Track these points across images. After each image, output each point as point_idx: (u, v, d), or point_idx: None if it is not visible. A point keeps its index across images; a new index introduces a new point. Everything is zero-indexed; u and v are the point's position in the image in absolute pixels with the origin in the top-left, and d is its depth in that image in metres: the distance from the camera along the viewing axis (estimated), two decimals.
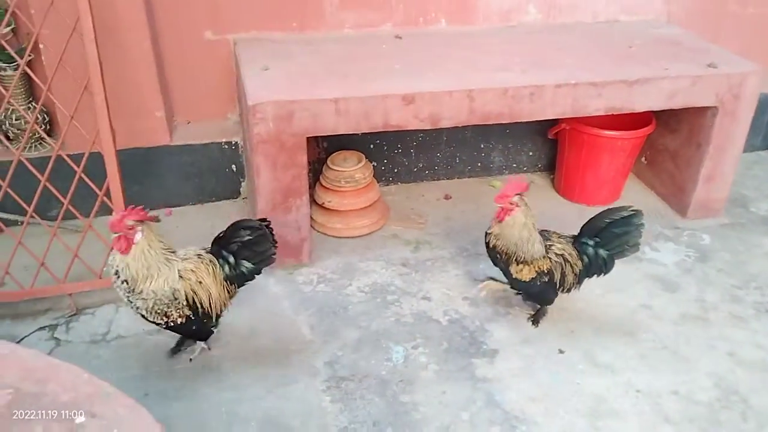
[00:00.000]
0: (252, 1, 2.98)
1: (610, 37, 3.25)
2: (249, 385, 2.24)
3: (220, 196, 3.28)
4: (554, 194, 3.48)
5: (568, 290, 2.45)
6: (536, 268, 2.35)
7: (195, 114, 3.21)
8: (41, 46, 2.64)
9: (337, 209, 2.99)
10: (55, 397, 1.66)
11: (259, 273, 2.27)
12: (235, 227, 2.21)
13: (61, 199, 2.46)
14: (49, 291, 2.52)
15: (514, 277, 2.39)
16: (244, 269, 2.23)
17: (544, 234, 2.42)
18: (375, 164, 3.30)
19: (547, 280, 2.37)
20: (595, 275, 2.43)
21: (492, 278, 2.63)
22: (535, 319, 2.57)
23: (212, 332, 2.34)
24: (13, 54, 2.42)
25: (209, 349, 2.37)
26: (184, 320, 2.14)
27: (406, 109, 2.57)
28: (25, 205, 2.45)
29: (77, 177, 2.46)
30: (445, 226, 3.17)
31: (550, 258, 2.37)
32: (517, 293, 2.60)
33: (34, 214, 2.47)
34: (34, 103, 2.87)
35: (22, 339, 2.43)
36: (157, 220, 2.11)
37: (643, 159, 3.50)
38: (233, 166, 3.21)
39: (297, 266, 2.83)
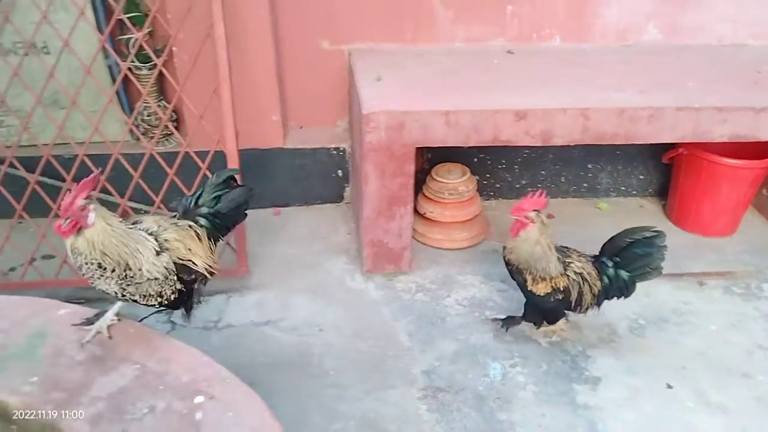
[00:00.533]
0: (368, 14, 3.08)
1: (737, 62, 3.09)
2: (349, 384, 2.30)
3: (325, 200, 3.39)
4: (665, 221, 3.33)
5: (586, 310, 2.38)
6: (552, 284, 2.30)
7: (307, 119, 3.34)
8: (174, 49, 2.84)
9: (439, 220, 3.01)
10: (177, 376, 1.77)
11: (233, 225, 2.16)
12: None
13: (186, 192, 2.63)
14: None
15: (528, 289, 2.35)
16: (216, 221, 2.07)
17: (564, 251, 2.37)
18: (477, 178, 3.30)
19: (561, 297, 2.32)
20: (615, 297, 2.35)
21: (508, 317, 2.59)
22: (506, 325, 2.55)
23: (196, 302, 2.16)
24: (151, 55, 2.62)
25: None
26: (177, 295, 1.99)
27: (517, 124, 2.56)
28: (153, 196, 2.64)
29: (201, 173, 2.63)
30: None
31: (568, 276, 2.31)
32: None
33: (161, 205, 2.66)
34: (164, 102, 3.09)
35: (143, 319, 2.60)
36: None
37: (764, 191, 3.30)
38: (339, 171, 3.31)
39: (396, 273, 2.88)
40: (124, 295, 1.87)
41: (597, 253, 2.37)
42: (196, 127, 2.66)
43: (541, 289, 2.31)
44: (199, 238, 2.01)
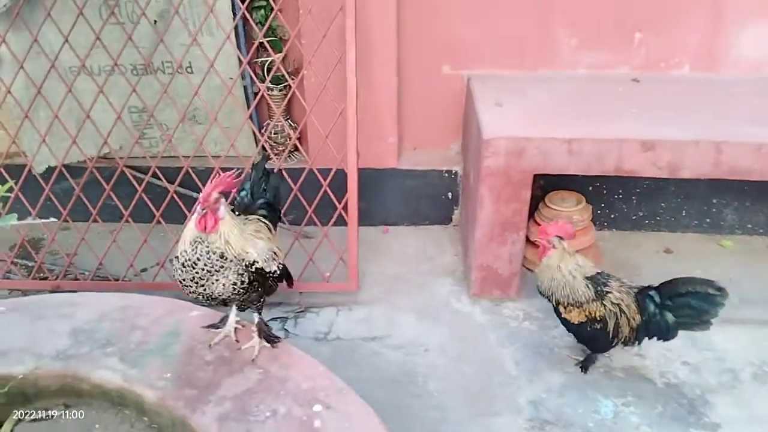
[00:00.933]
0: (490, 40, 3.11)
1: None
2: (453, 407, 2.31)
3: (433, 221, 3.43)
4: None
5: (625, 343, 2.33)
6: (587, 313, 2.28)
7: (421, 141, 3.41)
8: (304, 72, 3.01)
9: None
10: (297, 383, 1.87)
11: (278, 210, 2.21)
12: None
13: (306, 206, 2.77)
14: (283, 287, 2.83)
15: (563, 317, 2.34)
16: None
17: (601, 279, 2.32)
18: (591, 207, 3.21)
19: (599, 327, 2.29)
20: (656, 338, 2.30)
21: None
22: (584, 366, 2.48)
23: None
24: (287, 77, 2.78)
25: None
26: (280, 267, 2.04)
27: (643, 155, 2.48)
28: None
29: (323, 189, 2.75)
30: None
31: (605, 305, 2.27)
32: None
33: (283, 218, 2.80)
34: (290, 121, 3.27)
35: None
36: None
37: None
38: (449, 193, 3.35)
39: (503, 299, 2.86)
40: (235, 290, 1.88)
41: (647, 285, 2.32)
42: (321, 146, 2.78)
43: (574, 317, 2.31)
44: (270, 231, 2.06)
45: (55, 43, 2.79)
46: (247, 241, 1.89)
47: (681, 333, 2.27)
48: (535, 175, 3.12)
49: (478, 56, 3.15)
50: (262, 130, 3.07)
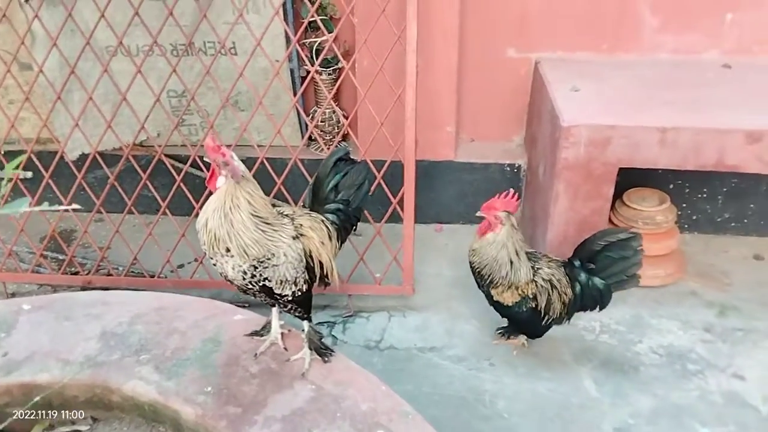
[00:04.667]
0: (562, 21, 2.81)
1: None
2: (527, 431, 2.03)
3: None
4: None
5: (557, 321, 2.20)
6: (520, 293, 2.14)
7: (479, 132, 3.13)
8: (356, 53, 2.74)
9: None
10: (355, 403, 1.60)
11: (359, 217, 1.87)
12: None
13: None
14: (331, 288, 2.57)
15: (495, 300, 2.19)
16: (354, 218, 1.83)
17: (533, 256, 2.20)
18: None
19: (534, 306, 2.16)
20: (590, 309, 2.19)
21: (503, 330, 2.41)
22: (506, 332, 2.39)
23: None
24: (341, 59, 2.52)
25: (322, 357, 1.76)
26: (307, 286, 1.74)
27: (747, 148, 2.16)
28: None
29: (376, 182, 2.49)
30: (759, 293, 2.63)
31: (536, 282, 2.14)
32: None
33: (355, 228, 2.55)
34: (336, 107, 3.02)
35: (303, 331, 2.50)
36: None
37: None
38: (511, 189, 3.04)
39: None
40: (254, 276, 1.62)
41: (569, 257, 2.19)
42: (375, 134, 2.52)
43: (507, 298, 2.16)
44: (329, 237, 1.77)
45: (90, 21, 2.57)
46: (260, 241, 1.58)
47: None
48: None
49: (548, 38, 2.85)
50: (315, 118, 2.82)
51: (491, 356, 2.33)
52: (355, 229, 1.90)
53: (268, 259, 1.61)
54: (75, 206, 1.18)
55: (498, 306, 2.22)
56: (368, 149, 2.65)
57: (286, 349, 1.76)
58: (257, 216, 1.60)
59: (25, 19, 2.56)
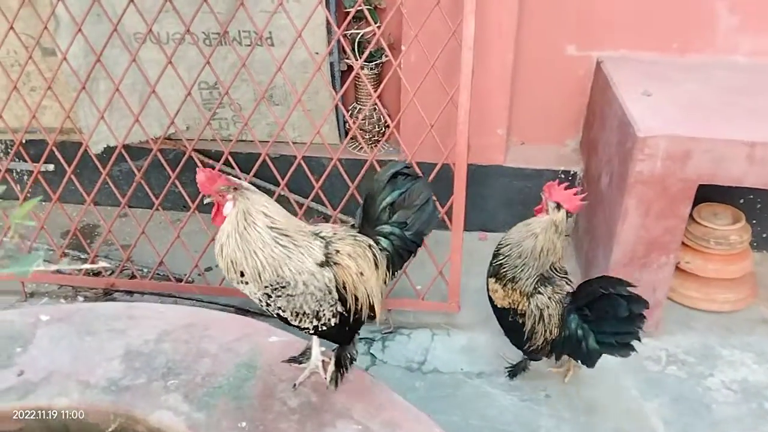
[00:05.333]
0: (627, 16, 2.57)
1: None
2: None
3: None
4: None
5: (537, 352, 2.01)
6: (510, 300, 1.97)
7: (531, 135, 2.91)
8: (403, 47, 2.54)
9: (697, 274, 2.42)
10: None
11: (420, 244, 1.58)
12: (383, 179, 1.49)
13: None
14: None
15: (489, 294, 2.05)
16: (410, 243, 1.55)
17: (545, 276, 1.94)
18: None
19: (520, 321, 1.97)
20: (575, 358, 1.95)
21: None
22: (513, 372, 2.16)
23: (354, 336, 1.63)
24: (389, 55, 2.31)
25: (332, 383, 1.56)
26: (337, 320, 1.50)
27: None
28: None
29: None
30: None
31: (530, 302, 1.93)
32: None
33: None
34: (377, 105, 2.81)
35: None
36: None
37: None
38: (580, 188, 2.82)
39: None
40: (269, 305, 1.46)
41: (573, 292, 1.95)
42: (423, 137, 2.31)
43: (498, 298, 2.00)
44: (377, 265, 1.52)
45: (118, 5, 2.38)
46: (278, 259, 1.39)
47: None
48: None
49: (612, 34, 2.62)
50: (351, 115, 2.62)
51: (546, 386, 2.13)
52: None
53: (283, 287, 1.41)
54: (103, 264, 0.98)
55: (490, 300, 2.05)
56: (411, 151, 2.45)
57: (330, 380, 1.57)
58: (276, 229, 1.40)
59: (48, 2, 2.38)
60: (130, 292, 2.55)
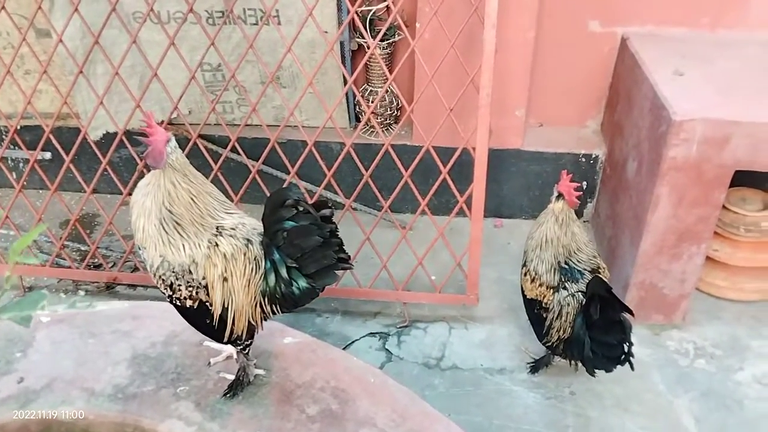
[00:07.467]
0: None
1: None
2: None
3: None
4: None
5: (553, 349, 1.94)
6: (537, 293, 1.91)
7: (549, 116, 2.78)
8: (417, 25, 2.40)
9: (725, 262, 2.31)
10: None
11: (315, 295, 1.37)
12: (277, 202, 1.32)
13: (419, 198, 2.19)
14: (384, 295, 2.28)
15: (521, 283, 2.00)
16: (294, 288, 1.35)
17: (577, 269, 1.86)
18: None
19: (543, 315, 1.91)
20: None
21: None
22: (535, 366, 2.09)
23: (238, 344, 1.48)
24: (405, 33, 2.16)
25: (242, 366, 1.48)
26: (195, 305, 1.38)
27: None
28: (383, 201, 2.22)
29: (441, 177, 2.16)
30: None
31: (555, 297, 1.86)
32: None
33: (389, 210, 2.24)
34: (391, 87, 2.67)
35: (352, 343, 2.22)
36: None
37: None
38: (583, 182, 2.70)
39: (665, 326, 2.24)
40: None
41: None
42: (443, 121, 2.18)
43: (528, 288, 1.96)
44: (253, 272, 1.36)
45: None
46: (163, 241, 1.36)
47: None
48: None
49: (637, 11, 2.47)
50: (363, 97, 2.48)
51: (572, 382, 2.04)
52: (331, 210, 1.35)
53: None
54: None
55: (522, 290, 2.01)
56: (424, 135, 2.33)
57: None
58: (169, 213, 1.36)
59: None
60: (133, 286, 2.45)
